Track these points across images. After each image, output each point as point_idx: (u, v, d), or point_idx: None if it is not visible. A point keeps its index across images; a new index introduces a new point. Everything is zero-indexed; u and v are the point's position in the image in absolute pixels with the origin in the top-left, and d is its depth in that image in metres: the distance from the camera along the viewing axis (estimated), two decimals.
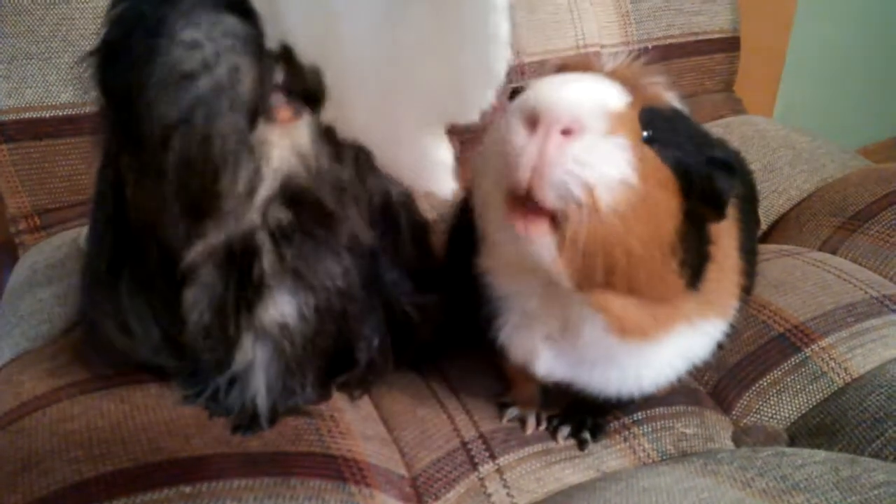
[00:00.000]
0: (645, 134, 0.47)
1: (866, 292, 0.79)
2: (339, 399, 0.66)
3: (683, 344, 0.55)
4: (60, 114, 0.90)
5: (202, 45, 0.43)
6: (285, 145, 0.48)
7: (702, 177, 0.47)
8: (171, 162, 0.45)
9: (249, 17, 0.44)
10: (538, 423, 0.66)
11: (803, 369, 0.71)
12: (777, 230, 1.01)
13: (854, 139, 1.91)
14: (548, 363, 0.56)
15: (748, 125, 1.19)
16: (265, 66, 0.44)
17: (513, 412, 0.66)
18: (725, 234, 0.55)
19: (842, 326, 0.74)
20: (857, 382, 0.69)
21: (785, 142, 1.12)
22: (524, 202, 0.44)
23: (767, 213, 1.02)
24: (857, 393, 0.67)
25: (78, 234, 0.89)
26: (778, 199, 1.03)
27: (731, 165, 0.48)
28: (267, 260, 0.54)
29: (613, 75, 0.51)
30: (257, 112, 0.45)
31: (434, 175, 0.45)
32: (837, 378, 0.70)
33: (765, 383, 0.71)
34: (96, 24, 0.89)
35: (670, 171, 0.47)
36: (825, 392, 0.69)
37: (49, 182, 0.92)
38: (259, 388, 0.60)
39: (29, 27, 0.89)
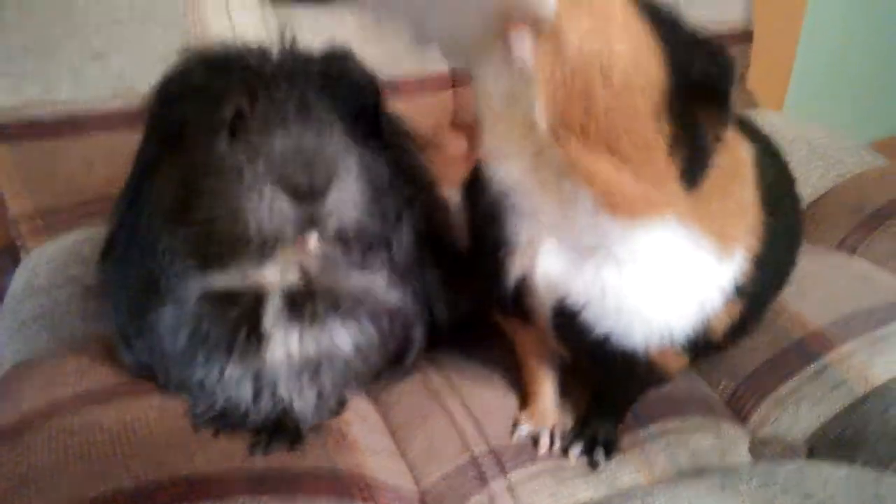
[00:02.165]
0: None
1: (886, 296, 0.77)
2: (346, 410, 0.64)
3: (680, 256, 0.51)
4: (61, 110, 0.88)
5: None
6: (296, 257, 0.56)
7: (701, 70, 0.46)
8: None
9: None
10: (552, 443, 0.64)
11: (823, 377, 0.69)
12: None
13: (867, 132, 1.88)
14: (547, 259, 0.53)
15: (761, 120, 1.16)
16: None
17: (524, 429, 0.64)
18: (740, 170, 0.54)
19: (862, 332, 0.72)
20: (879, 392, 0.67)
21: (799, 137, 1.09)
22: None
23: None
24: (879, 403, 0.65)
25: (79, 237, 0.88)
26: None
27: (731, 62, 0.46)
28: (273, 309, 0.57)
29: None
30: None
31: None
32: (858, 387, 0.68)
33: (783, 392, 0.69)
34: (96, 19, 0.88)
35: (655, 40, 0.46)
36: (845, 402, 0.67)
37: (50, 182, 0.91)
38: (294, 396, 0.61)
39: (27, 22, 0.87)
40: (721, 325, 0.56)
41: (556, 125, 0.45)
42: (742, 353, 0.73)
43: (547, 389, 0.67)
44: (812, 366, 0.70)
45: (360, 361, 0.63)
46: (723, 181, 0.51)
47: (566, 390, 0.69)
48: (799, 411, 0.68)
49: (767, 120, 1.17)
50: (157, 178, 0.58)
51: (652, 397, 0.68)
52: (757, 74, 1.31)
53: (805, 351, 0.71)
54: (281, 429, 0.59)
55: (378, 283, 0.61)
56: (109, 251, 0.63)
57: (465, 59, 0.50)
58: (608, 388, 0.66)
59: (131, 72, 0.89)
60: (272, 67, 0.54)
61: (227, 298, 0.57)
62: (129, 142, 0.91)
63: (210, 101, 0.53)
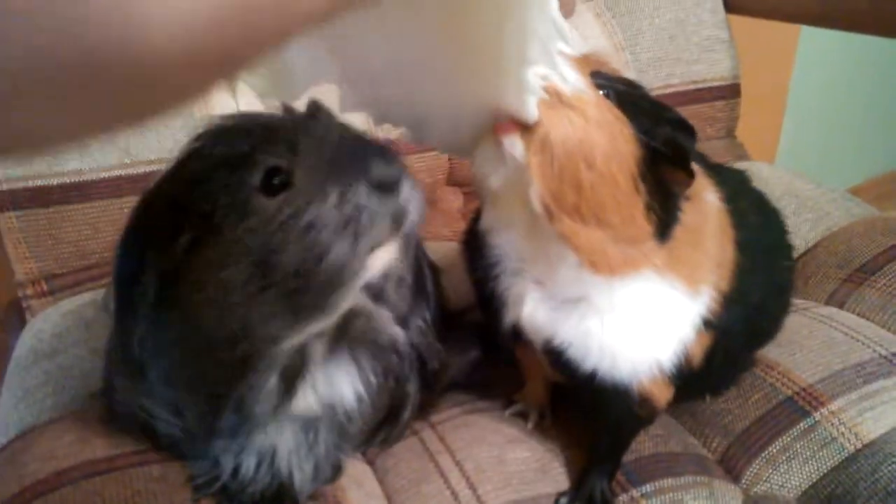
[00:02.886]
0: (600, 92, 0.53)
1: (875, 350, 0.78)
2: (342, 476, 0.65)
3: (655, 300, 0.57)
4: (68, 181, 0.91)
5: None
6: (384, 258, 0.54)
7: (665, 137, 0.53)
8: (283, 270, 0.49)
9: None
10: (542, 419, 0.72)
11: (813, 435, 0.70)
12: None
13: (857, 173, 1.91)
14: (532, 306, 0.59)
15: (750, 173, 1.19)
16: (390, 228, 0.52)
17: (516, 407, 0.73)
18: (706, 218, 0.60)
19: (851, 388, 0.73)
20: (869, 449, 0.68)
21: (788, 189, 1.11)
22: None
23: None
24: (869, 461, 0.66)
25: (83, 300, 0.90)
26: None
27: (690, 125, 0.53)
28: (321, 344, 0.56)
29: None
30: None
31: (520, 100, 0.49)
32: (848, 444, 0.68)
33: (774, 450, 0.70)
34: None
35: (623, 116, 0.52)
36: (836, 459, 0.68)
37: (56, 248, 0.93)
38: (292, 459, 0.59)
39: None
40: (696, 354, 0.61)
41: (549, 205, 0.52)
42: (734, 410, 0.74)
43: (538, 382, 0.74)
44: (802, 423, 0.71)
45: (358, 414, 0.62)
46: (691, 231, 0.57)
47: (562, 453, 0.70)
48: (790, 469, 0.69)
49: (757, 173, 1.19)
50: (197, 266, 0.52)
51: (646, 457, 0.69)
52: (748, 127, 1.34)
53: (795, 408, 0.72)
54: (279, 500, 0.59)
55: (384, 316, 0.60)
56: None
57: (462, 154, 0.57)
58: (602, 427, 0.68)
59: (136, 143, 0.93)
60: (293, 123, 0.53)
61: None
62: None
63: (239, 167, 0.51)
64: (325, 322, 0.53)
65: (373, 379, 0.61)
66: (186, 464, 0.62)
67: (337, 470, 0.65)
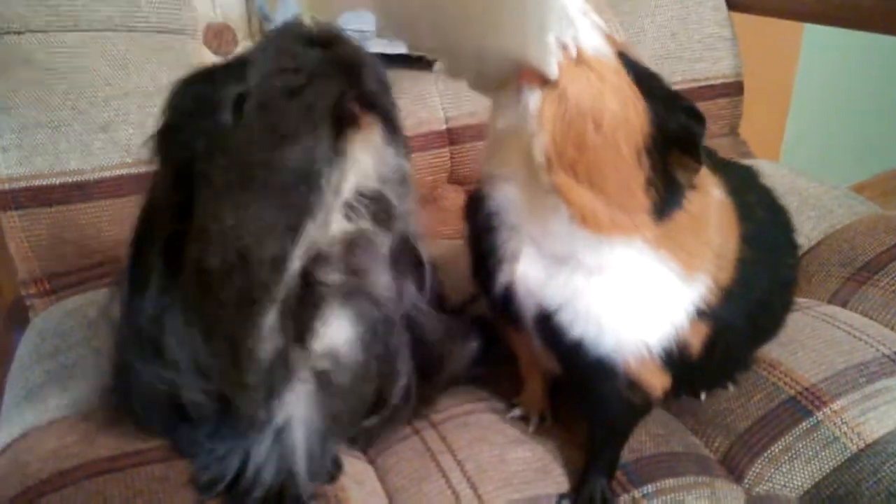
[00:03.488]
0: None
1: (878, 350, 0.78)
2: (343, 475, 0.65)
3: (645, 273, 0.58)
4: (69, 180, 0.92)
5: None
6: (365, 146, 0.54)
7: (677, 122, 0.53)
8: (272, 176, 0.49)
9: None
10: (542, 420, 0.72)
11: (815, 434, 0.70)
12: None
13: (862, 170, 1.91)
14: (525, 264, 0.60)
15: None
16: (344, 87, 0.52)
17: (516, 412, 0.73)
18: (709, 209, 0.60)
19: (854, 388, 0.73)
20: (872, 449, 0.67)
21: (792, 187, 1.11)
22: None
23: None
24: (872, 461, 0.66)
25: (85, 300, 0.90)
26: None
27: (701, 114, 0.53)
28: (333, 272, 0.55)
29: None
30: (344, 122, 0.52)
31: (542, 59, 0.51)
32: (851, 444, 0.68)
33: (776, 449, 0.70)
34: (104, 93, 0.92)
35: (638, 93, 0.54)
36: (838, 459, 0.68)
37: (58, 247, 0.94)
38: (299, 448, 0.59)
39: (39, 97, 0.91)
40: (693, 344, 0.61)
41: (550, 159, 0.53)
42: (736, 410, 0.74)
43: (537, 382, 0.74)
44: (805, 423, 0.71)
45: (349, 374, 0.60)
46: (693, 218, 0.58)
47: (562, 453, 0.70)
48: (793, 469, 0.69)
49: (760, 170, 1.19)
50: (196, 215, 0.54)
51: (647, 457, 0.68)
52: (751, 124, 1.34)
53: (798, 408, 0.72)
54: (282, 501, 0.59)
55: (378, 266, 0.59)
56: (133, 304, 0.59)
57: (487, 91, 0.59)
58: (599, 419, 0.67)
59: (138, 142, 0.93)
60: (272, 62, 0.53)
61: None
62: (137, 206, 0.95)
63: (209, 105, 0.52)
64: (318, 231, 0.52)
65: (363, 332, 0.59)
66: (190, 464, 0.62)
67: (337, 467, 0.65)
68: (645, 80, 0.55)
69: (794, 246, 0.78)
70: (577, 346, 0.59)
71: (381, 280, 0.59)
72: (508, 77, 0.55)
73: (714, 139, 1.30)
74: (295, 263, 0.52)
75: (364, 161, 0.54)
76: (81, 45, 0.93)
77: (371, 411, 0.67)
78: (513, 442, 0.70)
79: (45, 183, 0.91)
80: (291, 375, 0.57)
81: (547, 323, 0.61)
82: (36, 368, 0.79)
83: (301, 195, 0.50)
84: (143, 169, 0.93)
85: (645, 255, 0.57)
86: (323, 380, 0.59)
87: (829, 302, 0.91)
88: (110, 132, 0.93)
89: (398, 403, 0.66)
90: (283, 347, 0.55)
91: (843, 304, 0.90)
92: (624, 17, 1.23)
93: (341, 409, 0.62)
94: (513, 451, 0.69)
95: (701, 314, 0.60)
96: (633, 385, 0.61)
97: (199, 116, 0.52)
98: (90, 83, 0.92)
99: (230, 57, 0.57)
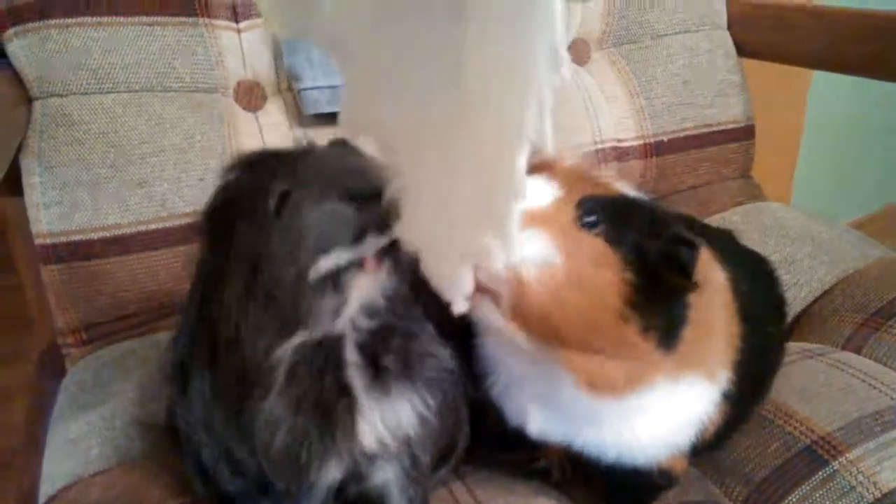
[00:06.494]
0: (587, 220, 0.53)
1: (892, 398, 0.79)
2: None
3: (670, 400, 0.57)
4: (108, 235, 0.95)
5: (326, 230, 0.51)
6: (368, 284, 0.54)
7: (664, 253, 0.51)
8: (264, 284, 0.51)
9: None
10: (564, 474, 0.72)
11: (831, 484, 0.71)
12: (800, 326, 1.02)
13: (869, 205, 1.92)
14: (540, 423, 0.60)
15: (766, 214, 1.21)
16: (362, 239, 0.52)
17: (539, 464, 0.73)
18: (714, 302, 0.59)
19: (869, 437, 0.74)
20: (888, 499, 0.69)
21: (804, 231, 1.13)
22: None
23: (790, 307, 1.03)
24: None
25: (122, 350, 0.93)
26: (799, 291, 1.04)
27: (689, 239, 0.52)
28: (355, 373, 0.56)
29: (555, 173, 0.57)
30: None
31: (455, 294, 0.51)
32: (867, 493, 0.70)
33: (794, 499, 0.71)
34: (141, 150, 0.96)
35: (608, 249, 0.52)
36: None
37: (95, 299, 0.97)
38: None
39: (80, 156, 0.95)
40: (717, 422, 0.63)
41: (536, 344, 0.53)
42: (754, 459, 0.76)
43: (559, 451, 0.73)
44: (821, 472, 0.72)
45: (422, 442, 0.61)
46: (701, 323, 0.56)
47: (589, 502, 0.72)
48: None
49: (772, 213, 1.21)
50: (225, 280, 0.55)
51: None
52: (763, 168, 1.37)
53: (815, 457, 0.74)
54: None
55: (436, 339, 0.59)
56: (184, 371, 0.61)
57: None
58: (620, 498, 0.70)
59: (172, 197, 0.97)
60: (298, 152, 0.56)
61: (311, 358, 0.55)
62: (170, 258, 0.98)
63: (256, 192, 0.54)
64: (305, 334, 0.53)
65: (431, 401, 0.60)
66: None
67: None
68: (622, 214, 0.54)
69: (781, 303, 0.81)
70: (609, 467, 0.60)
71: (431, 352, 0.60)
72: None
73: (726, 182, 1.32)
74: (286, 358, 0.54)
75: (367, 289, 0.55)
76: (120, 106, 0.97)
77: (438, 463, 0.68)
78: (537, 492, 0.72)
79: (84, 238, 0.95)
80: (321, 468, 0.57)
81: (570, 450, 0.62)
82: (77, 420, 0.82)
83: (293, 306, 0.52)
84: (176, 223, 0.98)
85: (669, 391, 0.56)
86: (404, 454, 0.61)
87: (843, 348, 0.93)
88: (146, 188, 0.97)
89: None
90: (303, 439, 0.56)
91: (857, 350, 0.91)
92: (636, 66, 1.26)
93: (424, 471, 0.64)
94: (537, 501, 0.71)
95: (724, 397, 0.62)
96: (663, 474, 0.63)
97: (246, 203, 0.54)
98: (128, 141, 0.97)
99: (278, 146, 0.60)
